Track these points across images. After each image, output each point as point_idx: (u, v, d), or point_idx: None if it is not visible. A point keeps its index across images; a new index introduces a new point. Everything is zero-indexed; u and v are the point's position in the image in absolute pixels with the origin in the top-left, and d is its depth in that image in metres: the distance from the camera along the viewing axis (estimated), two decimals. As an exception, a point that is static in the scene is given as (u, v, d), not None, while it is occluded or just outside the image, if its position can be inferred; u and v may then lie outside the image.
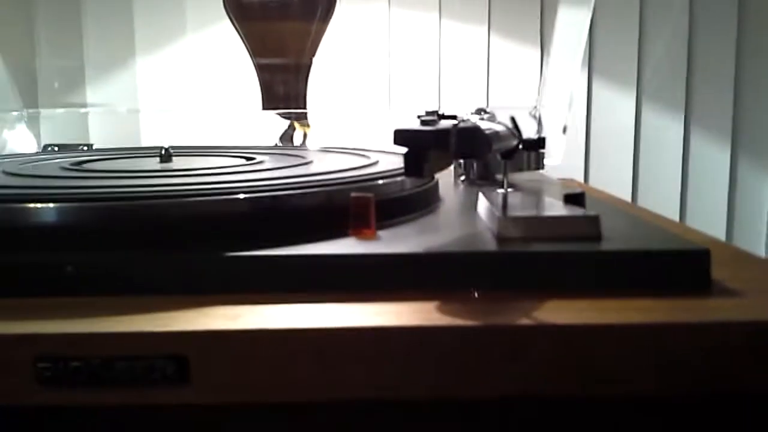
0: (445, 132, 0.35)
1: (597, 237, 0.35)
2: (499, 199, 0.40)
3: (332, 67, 0.95)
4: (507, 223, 0.35)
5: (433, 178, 0.47)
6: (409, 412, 0.30)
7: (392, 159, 0.50)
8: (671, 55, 0.99)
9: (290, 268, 0.32)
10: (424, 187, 0.44)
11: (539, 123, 0.76)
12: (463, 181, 0.58)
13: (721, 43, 0.98)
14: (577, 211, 0.37)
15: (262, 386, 0.28)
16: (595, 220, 0.35)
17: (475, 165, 0.59)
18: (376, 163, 0.48)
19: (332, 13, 0.87)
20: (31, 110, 0.88)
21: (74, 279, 0.31)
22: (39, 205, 0.32)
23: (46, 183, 0.39)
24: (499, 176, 0.59)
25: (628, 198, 1.00)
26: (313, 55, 0.89)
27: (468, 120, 0.62)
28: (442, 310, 0.30)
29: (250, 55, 0.88)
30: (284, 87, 0.90)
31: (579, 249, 0.33)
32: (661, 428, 0.31)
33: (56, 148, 0.73)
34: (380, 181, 0.40)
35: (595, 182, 1.00)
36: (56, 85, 0.96)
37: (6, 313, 0.29)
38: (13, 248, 0.32)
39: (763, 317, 0.29)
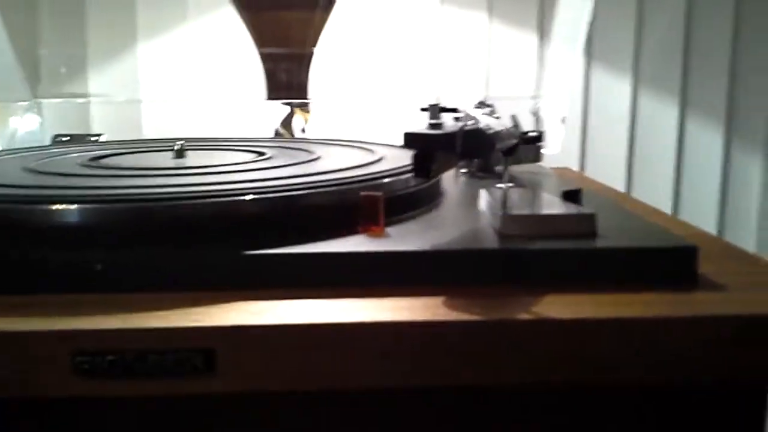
0: (452, 135, 0.37)
1: (592, 234, 0.37)
2: (501, 196, 0.42)
3: (333, 55, 0.96)
4: (508, 220, 0.38)
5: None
6: (418, 399, 0.33)
7: (396, 153, 0.52)
8: (668, 41, 1.00)
9: (306, 266, 0.34)
10: (428, 184, 0.46)
11: (538, 117, 0.78)
12: (464, 173, 0.61)
13: (718, 29, 1.00)
14: (574, 209, 0.39)
15: (283, 376, 0.30)
16: (591, 218, 0.38)
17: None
18: (381, 159, 0.50)
19: (334, 2, 0.89)
20: (37, 100, 0.90)
21: (103, 276, 0.34)
22: (70, 207, 0.34)
23: (70, 182, 0.41)
24: (499, 168, 0.61)
25: (622, 183, 1.02)
26: (315, 45, 0.91)
27: (469, 115, 0.64)
28: (449, 305, 0.32)
29: (255, 44, 0.89)
30: (288, 76, 0.91)
31: (575, 246, 0.35)
32: (652, 415, 0.34)
33: (66, 139, 0.75)
34: (387, 179, 0.42)
35: (590, 167, 1.02)
36: (62, 71, 0.97)
37: (42, 310, 0.31)
38: (44, 246, 0.34)
39: (745, 311, 0.32)
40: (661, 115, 1.02)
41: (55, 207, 0.35)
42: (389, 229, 0.39)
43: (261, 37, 0.90)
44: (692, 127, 1.03)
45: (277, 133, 0.90)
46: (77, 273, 0.34)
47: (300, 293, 0.33)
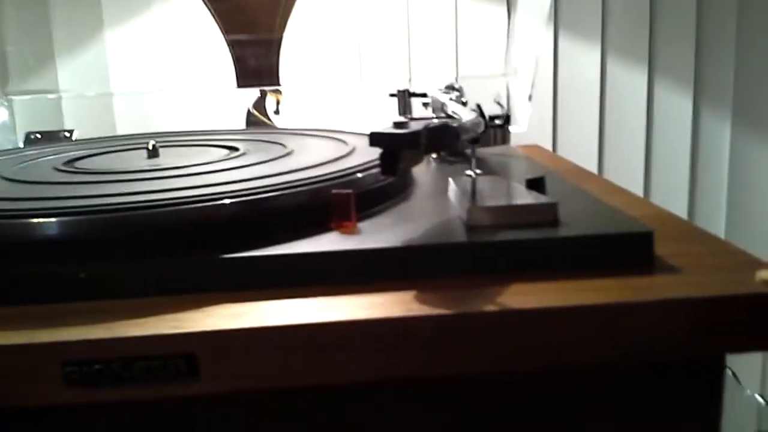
0: (417, 133, 0.38)
1: (555, 222, 0.39)
2: (468, 187, 0.44)
3: (302, 40, 0.96)
4: (474, 212, 0.39)
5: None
6: (395, 392, 0.35)
7: (366, 143, 0.53)
8: (634, 8, 1.01)
9: (282, 267, 0.36)
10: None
11: (501, 104, 0.80)
12: (434, 158, 0.62)
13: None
14: (537, 199, 0.41)
15: (264, 376, 0.32)
16: (552, 207, 0.39)
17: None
18: (353, 150, 0.52)
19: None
20: (8, 97, 0.89)
21: (85, 285, 0.35)
22: (51, 220, 0.35)
23: (48, 192, 0.42)
24: (468, 151, 0.62)
25: (595, 153, 1.04)
26: (284, 30, 0.91)
27: (437, 100, 0.65)
28: (420, 299, 0.34)
29: (222, 31, 0.90)
30: (257, 62, 0.92)
31: (537, 236, 0.37)
32: (618, 395, 0.36)
33: (39, 136, 0.75)
34: (358, 175, 0.44)
35: (562, 136, 1.04)
36: (30, 66, 0.96)
37: (30, 322, 0.33)
38: (28, 259, 0.36)
39: (698, 294, 0.34)
40: (630, 82, 1.04)
41: (36, 221, 0.36)
42: (362, 224, 0.40)
43: (227, 24, 0.90)
44: (661, 92, 1.05)
45: (249, 115, 0.91)
46: (59, 283, 0.35)
47: (278, 293, 0.35)
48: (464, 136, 0.46)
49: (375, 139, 0.39)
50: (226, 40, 0.89)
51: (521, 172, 0.54)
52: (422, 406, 0.36)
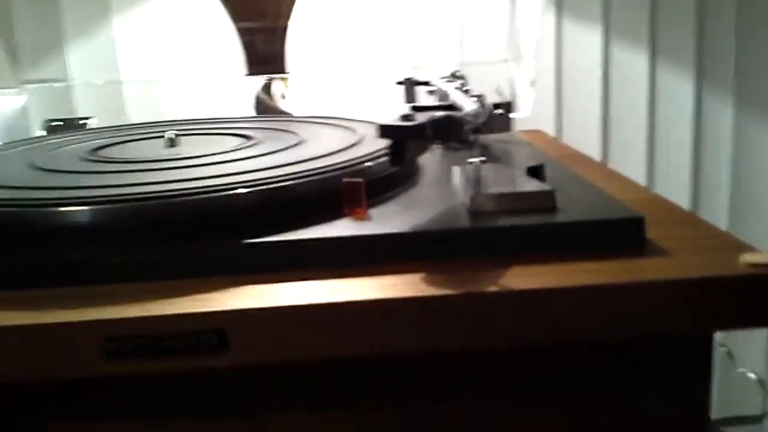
0: (422, 126, 0.41)
1: (553, 209, 0.42)
2: (471, 175, 0.47)
3: (307, 27, 0.99)
4: (478, 199, 0.42)
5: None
6: (405, 365, 0.38)
7: (374, 131, 0.56)
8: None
9: (300, 251, 0.39)
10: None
11: (502, 94, 0.82)
12: (439, 145, 0.65)
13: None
14: (536, 186, 0.44)
15: (285, 350, 0.35)
16: (550, 195, 0.42)
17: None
18: (362, 139, 0.54)
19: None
20: (24, 86, 0.92)
21: (121, 269, 0.38)
22: (90, 208, 0.39)
23: (81, 182, 0.45)
24: (472, 138, 0.65)
25: (598, 136, 1.06)
26: (289, 17, 0.94)
27: (441, 89, 0.68)
28: (427, 281, 0.37)
29: (230, 19, 0.92)
30: (265, 49, 0.94)
31: (536, 222, 0.40)
32: (612, 370, 0.39)
33: (59, 124, 0.78)
34: (368, 164, 0.47)
35: (565, 120, 1.06)
36: (41, 54, 0.99)
37: (72, 302, 0.36)
38: (68, 244, 0.39)
39: (686, 276, 0.36)
40: (633, 65, 1.05)
41: (77, 209, 0.39)
42: (372, 211, 0.43)
43: (235, 11, 0.93)
44: (663, 76, 1.06)
45: (257, 101, 0.93)
46: (97, 267, 0.38)
47: (296, 275, 0.38)
48: (467, 126, 0.49)
49: (383, 131, 0.42)
50: (234, 27, 0.92)
51: (522, 158, 0.57)
52: (427, 380, 0.39)
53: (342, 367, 0.38)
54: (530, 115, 0.82)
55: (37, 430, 0.38)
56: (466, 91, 0.67)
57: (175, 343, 0.34)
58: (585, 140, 1.06)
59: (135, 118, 0.98)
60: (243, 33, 0.93)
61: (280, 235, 0.39)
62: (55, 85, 0.98)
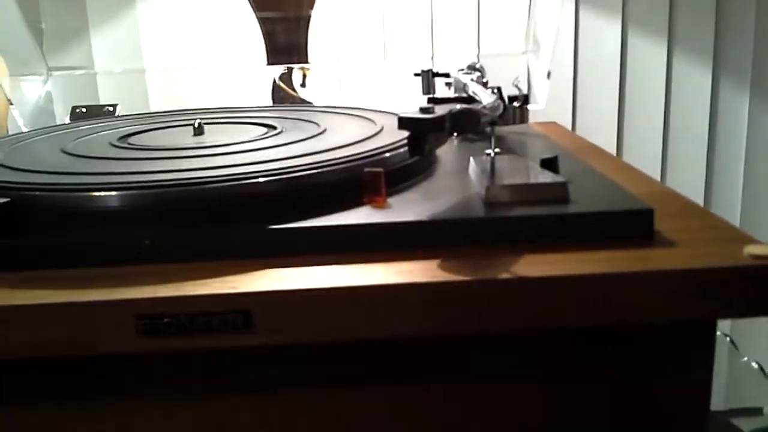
0: (441, 118, 0.43)
1: (565, 200, 0.43)
2: (487, 166, 0.48)
3: (329, 18, 1.00)
4: (493, 190, 0.44)
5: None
6: (419, 346, 0.40)
7: (394, 122, 0.58)
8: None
9: (322, 237, 0.40)
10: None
11: (527, 77, 0.83)
12: (456, 136, 0.66)
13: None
14: (550, 178, 0.45)
15: (306, 330, 0.37)
16: (563, 186, 0.44)
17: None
18: (381, 130, 0.56)
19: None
20: (52, 73, 0.94)
21: (152, 250, 0.40)
22: (125, 193, 0.41)
23: (112, 167, 0.47)
24: (488, 130, 0.66)
25: (614, 126, 1.07)
26: (312, 7, 0.95)
27: (459, 80, 0.69)
28: (443, 267, 0.38)
29: (252, 8, 0.94)
30: (287, 39, 0.96)
31: (549, 213, 0.41)
32: (619, 355, 0.41)
33: (84, 110, 0.80)
34: (388, 154, 0.48)
35: (581, 111, 1.07)
36: (66, 42, 1.01)
37: (107, 282, 0.38)
38: (102, 227, 0.41)
39: (692, 266, 0.38)
40: (650, 57, 1.06)
41: (111, 194, 0.41)
42: (391, 200, 0.45)
43: (257, 1, 0.94)
44: (680, 68, 1.07)
45: (275, 88, 0.95)
46: (129, 249, 0.40)
47: (319, 260, 0.40)
48: (484, 120, 0.50)
49: (403, 123, 0.43)
50: (256, 17, 0.93)
51: (537, 150, 0.58)
52: (441, 360, 0.41)
53: (360, 348, 0.40)
54: (546, 107, 0.83)
55: (70, 404, 0.40)
56: (484, 84, 0.69)
57: (202, 322, 0.36)
58: (600, 132, 1.07)
59: (157, 106, 1.00)
60: (265, 23, 0.95)
61: (303, 221, 0.41)
62: (77, 73, 1.00)
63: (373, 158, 0.47)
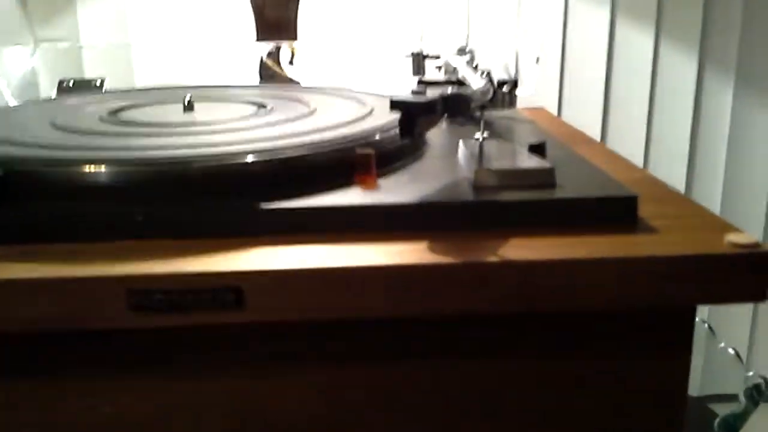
0: (433, 102, 0.43)
1: (552, 185, 0.44)
2: (476, 150, 0.49)
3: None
4: (481, 174, 0.45)
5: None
6: (406, 326, 0.41)
7: (384, 105, 0.58)
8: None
9: (314, 216, 0.41)
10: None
11: (516, 62, 0.84)
12: (446, 118, 0.67)
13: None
14: (537, 163, 0.46)
15: (296, 309, 0.38)
16: (550, 172, 0.45)
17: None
18: (372, 111, 0.56)
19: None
20: (39, 44, 0.93)
21: (144, 226, 0.40)
22: (118, 168, 0.41)
23: (102, 143, 0.47)
24: (478, 114, 0.67)
25: (599, 110, 1.08)
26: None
27: (449, 64, 0.69)
28: (431, 249, 0.39)
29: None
30: (276, 15, 0.95)
31: (535, 198, 0.42)
32: (601, 337, 0.42)
33: (71, 84, 0.79)
34: (378, 136, 0.49)
35: (568, 96, 1.08)
36: (50, 13, 0.99)
37: (98, 257, 0.38)
38: (94, 202, 0.41)
39: (672, 252, 0.39)
40: (637, 44, 1.07)
41: (103, 169, 0.41)
42: (381, 181, 0.46)
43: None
44: (666, 56, 1.08)
45: (263, 66, 0.95)
46: (122, 223, 0.40)
47: (309, 239, 0.40)
48: (475, 103, 0.51)
49: (395, 105, 0.44)
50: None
51: (525, 136, 0.59)
52: (428, 341, 0.41)
53: (349, 327, 0.41)
54: (534, 92, 0.83)
55: (62, 378, 0.40)
56: (475, 67, 0.69)
57: (194, 299, 0.36)
58: (585, 118, 1.08)
59: (144, 80, 1.00)
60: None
61: (294, 200, 0.41)
62: (60, 44, 0.99)
63: (365, 140, 0.48)
